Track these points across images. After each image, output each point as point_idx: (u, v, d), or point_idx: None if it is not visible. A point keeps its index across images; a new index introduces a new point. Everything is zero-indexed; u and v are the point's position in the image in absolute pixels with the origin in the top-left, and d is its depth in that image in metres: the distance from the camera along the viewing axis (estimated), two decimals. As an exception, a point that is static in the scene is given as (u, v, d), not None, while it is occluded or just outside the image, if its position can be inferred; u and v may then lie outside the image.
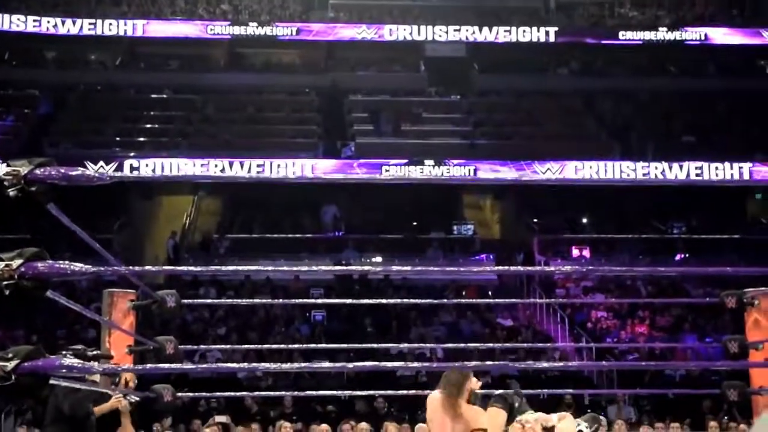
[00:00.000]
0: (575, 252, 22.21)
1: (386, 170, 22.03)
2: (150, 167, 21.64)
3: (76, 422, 6.44)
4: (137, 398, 6.57)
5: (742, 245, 22.00)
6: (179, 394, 6.92)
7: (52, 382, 3.70)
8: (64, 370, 3.73)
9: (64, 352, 5.18)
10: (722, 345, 6.75)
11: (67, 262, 3.63)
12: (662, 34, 27.86)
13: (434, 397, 5.98)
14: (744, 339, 6.52)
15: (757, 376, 6.41)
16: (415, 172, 22.11)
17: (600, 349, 16.29)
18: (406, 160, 22.34)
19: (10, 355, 3.31)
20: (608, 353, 16.57)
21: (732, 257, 20.75)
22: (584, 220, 24.23)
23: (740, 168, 22.26)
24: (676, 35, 27.82)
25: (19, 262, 3.38)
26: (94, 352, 6.03)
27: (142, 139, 24.24)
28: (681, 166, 22.17)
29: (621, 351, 16.63)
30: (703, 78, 27.16)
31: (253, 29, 27.38)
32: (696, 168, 22.18)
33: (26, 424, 11.91)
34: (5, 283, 3.35)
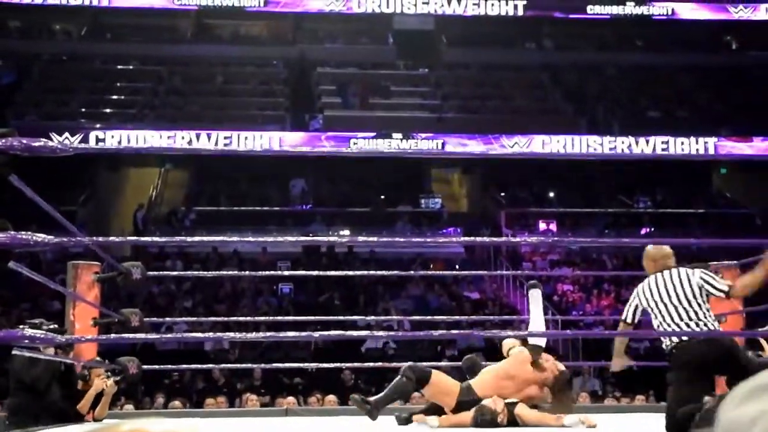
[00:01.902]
0: (542, 226, 22.33)
1: (354, 143, 22.00)
2: (116, 139, 21.48)
3: (37, 393, 6.42)
4: (117, 378, 6.56)
5: (707, 219, 22.21)
6: (144, 366, 6.91)
7: (14, 353, 3.68)
8: (26, 341, 3.71)
9: (22, 326, 5.15)
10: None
11: (29, 233, 3.60)
12: (630, 8, 27.93)
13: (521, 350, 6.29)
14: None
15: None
16: (383, 146, 22.11)
17: (566, 321, 16.40)
18: (374, 134, 22.33)
19: (-28, 327, 3.29)
20: (574, 326, 16.68)
21: (697, 231, 20.95)
22: (551, 195, 24.34)
23: (705, 143, 22.43)
24: (643, 10, 27.89)
25: (-20, 232, 3.36)
26: (52, 326, 6.00)
27: (108, 110, 24.03)
28: (647, 141, 22.31)
29: (587, 324, 16.75)
30: (670, 53, 27.29)
31: (220, 0, 27.16)
32: (662, 143, 22.33)
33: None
34: (-34, 253, 3.32)
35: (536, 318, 6.93)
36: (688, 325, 5.41)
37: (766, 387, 0.79)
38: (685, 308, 5.48)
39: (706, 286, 5.50)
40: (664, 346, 5.54)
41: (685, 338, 5.37)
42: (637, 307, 5.71)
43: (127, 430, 0.83)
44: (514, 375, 6.19)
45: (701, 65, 26.39)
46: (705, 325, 5.46)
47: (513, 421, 5.95)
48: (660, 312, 5.54)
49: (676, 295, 5.50)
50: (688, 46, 27.52)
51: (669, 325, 5.49)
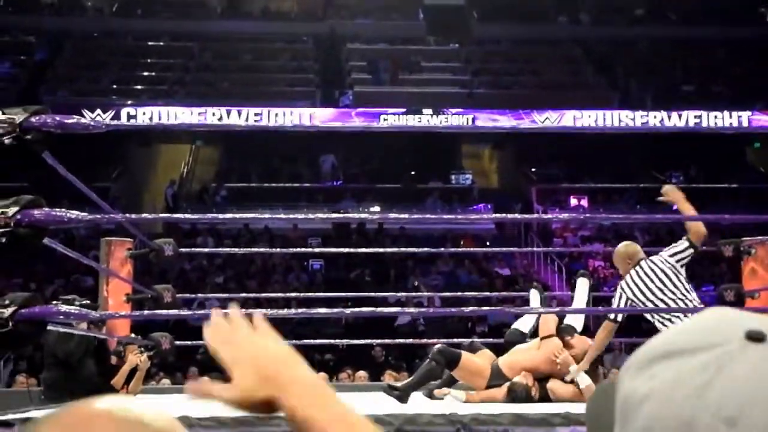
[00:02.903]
0: (573, 201, 22.20)
1: (384, 119, 21.95)
2: (147, 115, 21.56)
3: (70, 367, 6.49)
4: (150, 353, 6.62)
5: (740, 194, 21.99)
6: (177, 342, 6.96)
7: (48, 328, 3.71)
8: (61, 317, 3.74)
9: (55, 302, 5.19)
10: (718, 293, 6.78)
11: (63, 210, 3.62)
12: (664, -19, 27.63)
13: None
14: (740, 288, 6.56)
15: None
16: (413, 121, 22.04)
17: (597, 298, 16.32)
18: (404, 109, 22.26)
19: (8, 302, 3.32)
20: (605, 302, 16.60)
21: (730, 206, 20.76)
22: (583, 170, 24.19)
23: (739, 117, 22.19)
24: (677, -18, 27.58)
25: (14, 209, 3.38)
26: (85, 302, 6.06)
27: (139, 87, 24.11)
28: (680, 115, 22.10)
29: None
30: (703, 26, 26.96)
31: (250, -24, 27.11)
32: (695, 117, 22.12)
33: (24, 372, 11.97)
34: (1, 230, 3.34)
35: (578, 304, 6.98)
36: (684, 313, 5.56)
37: (659, 356, 0.73)
38: (672, 292, 5.68)
39: (677, 257, 5.77)
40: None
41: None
42: (625, 304, 5.81)
43: (90, 411, 0.83)
44: (541, 369, 6.19)
45: (735, 38, 26.06)
46: (692, 302, 5.65)
47: (545, 396, 5.96)
48: (653, 303, 5.68)
49: (662, 282, 5.69)
50: (722, 19, 27.18)
51: (663, 315, 5.62)
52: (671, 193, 5.93)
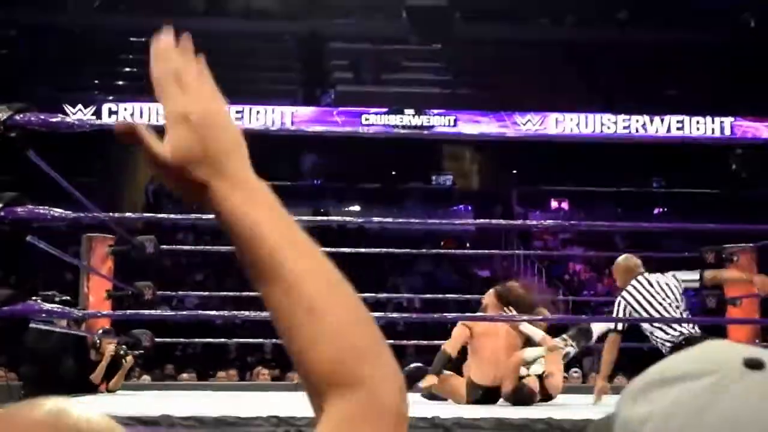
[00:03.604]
0: (554, 204, 22.27)
1: (366, 119, 21.94)
2: (129, 111, 21.48)
3: (47, 363, 6.46)
4: (135, 353, 6.61)
5: (722, 200, 22.09)
6: (157, 339, 6.94)
7: (31, 326, 3.68)
8: (43, 314, 3.71)
9: (36, 298, 5.17)
10: (700, 300, 6.81)
11: (46, 207, 3.60)
12: (647, -16, 27.69)
13: None
14: (722, 294, 6.59)
15: (735, 331, 6.48)
16: (395, 121, 22.04)
17: (577, 301, 16.40)
18: (386, 109, 22.26)
19: (-11, 300, 3.29)
20: (585, 306, 16.68)
21: (711, 212, 20.84)
22: (564, 173, 24.26)
23: (722, 123, 22.30)
24: (661, -15, 27.67)
25: (-2, 206, 3.35)
26: (65, 298, 6.03)
27: (120, 82, 24.01)
28: (662, 120, 22.18)
29: (598, 304, 16.74)
30: (687, 30, 27.06)
31: (233, -27, 27.03)
32: (677, 122, 22.20)
33: (4, 366, 11.90)
34: (-16, 227, 3.32)
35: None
36: (680, 324, 5.64)
37: (658, 383, 0.75)
38: (671, 305, 5.80)
39: (686, 283, 5.91)
40: (663, 341, 5.68)
41: (695, 331, 5.60)
42: (627, 315, 5.89)
43: (45, 413, 0.80)
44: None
45: (719, 43, 26.16)
46: (693, 326, 5.78)
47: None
48: (655, 313, 5.78)
49: (665, 296, 5.80)
50: (706, 24, 27.27)
51: (662, 327, 5.71)
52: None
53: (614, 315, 6.02)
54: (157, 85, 1.00)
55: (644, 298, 5.81)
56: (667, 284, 5.85)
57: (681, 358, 0.78)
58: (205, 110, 0.95)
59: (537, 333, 6.04)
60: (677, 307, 5.81)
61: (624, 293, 5.93)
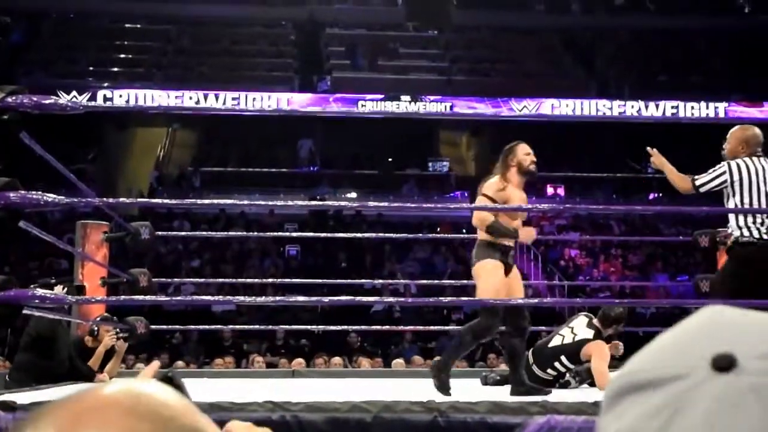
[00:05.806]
0: (550, 190, 22.27)
1: (362, 105, 21.92)
2: (124, 98, 21.43)
3: (44, 348, 6.44)
4: (125, 336, 6.60)
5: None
6: (152, 326, 6.93)
7: (25, 312, 3.67)
8: (36, 301, 3.71)
9: (33, 285, 5.17)
10: (694, 283, 6.81)
11: (40, 192, 3.59)
12: (642, -29, 27.67)
13: None
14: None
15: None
16: (391, 107, 22.02)
17: (572, 286, 16.41)
18: (382, 95, 22.23)
19: (-18, 286, 3.28)
20: (581, 291, 16.69)
21: (706, 196, 20.84)
22: (560, 159, 24.24)
23: (716, 107, 22.30)
24: (656, -28, 27.63)
25: (-10, 191, 3.34)
26: (75, 285, 6.04)
27: (116, 69, 23.94)
28: (657, 105, 22.18)
29: (593, 289, 16.75)
30: (682, 16, 27.03)
31: (229, -41, 26.90)
32: (672, 107, 22.20)
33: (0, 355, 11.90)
34: (-24, 212, 3.31)
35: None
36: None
37: (628, 388, 0.71)
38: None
39: None
40: (732, 231, 5.52)
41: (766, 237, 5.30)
42: (720, 184, 5.58)
43: (124, 395, 0.78)
44: None
45: (714, 29, 26.14)
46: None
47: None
48: (748, 195, 5.49)
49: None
50: (701, 10, 27.25)
51: (750, 214, 5.43)
52: (655, 157, 5.85)
53: (707, 178, 5.69)
54: None
55: (754, 178, 5.48)
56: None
57: (658, 348, 0.75)
58: None
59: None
60: None
61: (732, 162, 5.57)
